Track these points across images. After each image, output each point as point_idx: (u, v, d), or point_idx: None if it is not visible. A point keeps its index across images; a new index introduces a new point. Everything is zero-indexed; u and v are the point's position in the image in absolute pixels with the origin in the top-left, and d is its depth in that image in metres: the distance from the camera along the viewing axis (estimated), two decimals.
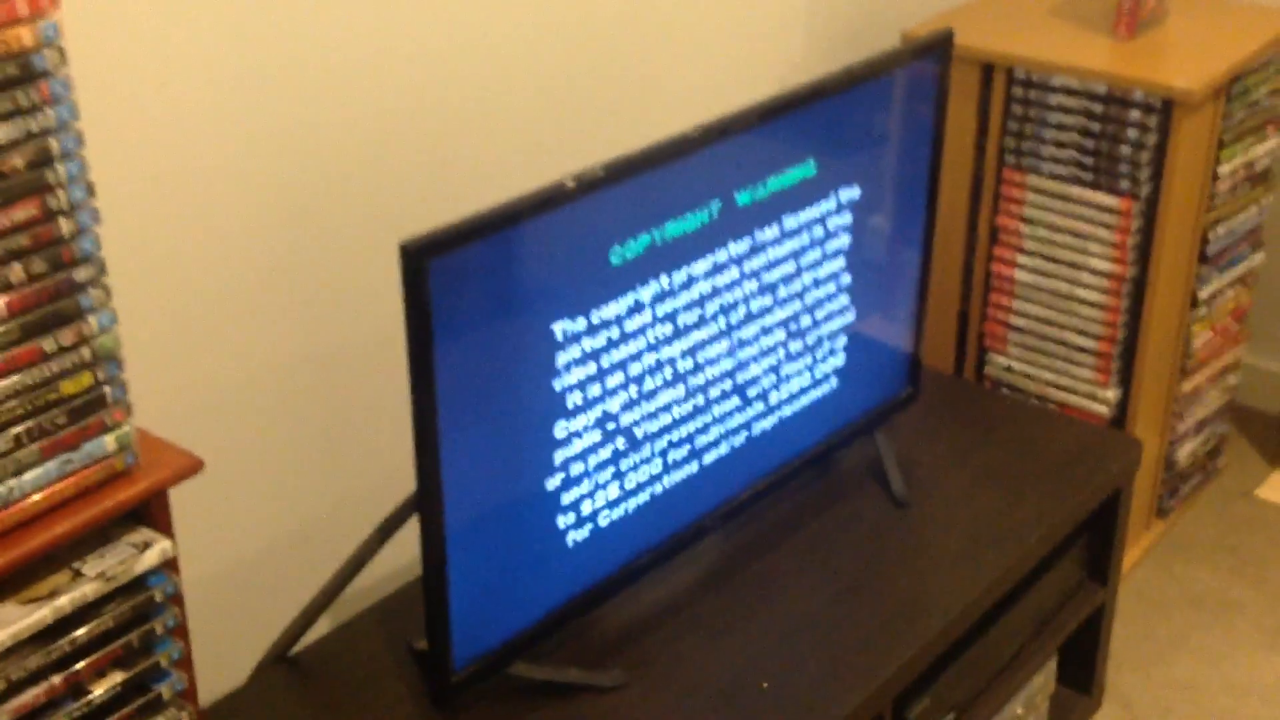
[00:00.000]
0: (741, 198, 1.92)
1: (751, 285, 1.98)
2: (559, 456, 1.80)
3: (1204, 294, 2.81)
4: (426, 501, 1.65)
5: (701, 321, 1.93)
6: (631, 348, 1.84)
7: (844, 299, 2.17)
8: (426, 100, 2.01)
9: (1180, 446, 2.96)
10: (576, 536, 1.86)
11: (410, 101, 1.99)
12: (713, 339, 1.95)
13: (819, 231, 2.07)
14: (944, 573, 2.11)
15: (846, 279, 2.16)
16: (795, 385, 2.13)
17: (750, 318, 2.00)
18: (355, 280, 1.99)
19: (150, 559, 1.47)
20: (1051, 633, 2.33)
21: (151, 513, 1.50)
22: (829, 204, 2.07)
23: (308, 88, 1.86)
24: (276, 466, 2.00)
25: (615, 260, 1.78)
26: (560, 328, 1.74)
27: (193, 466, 1.50)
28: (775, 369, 2.08)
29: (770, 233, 1.98)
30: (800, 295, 2.08)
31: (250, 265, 1.87)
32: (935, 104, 2.18)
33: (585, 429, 1.82)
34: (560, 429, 1.78)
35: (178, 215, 1.78)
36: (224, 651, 1.92)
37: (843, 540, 2.16)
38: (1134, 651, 2.70)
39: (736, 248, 1.94)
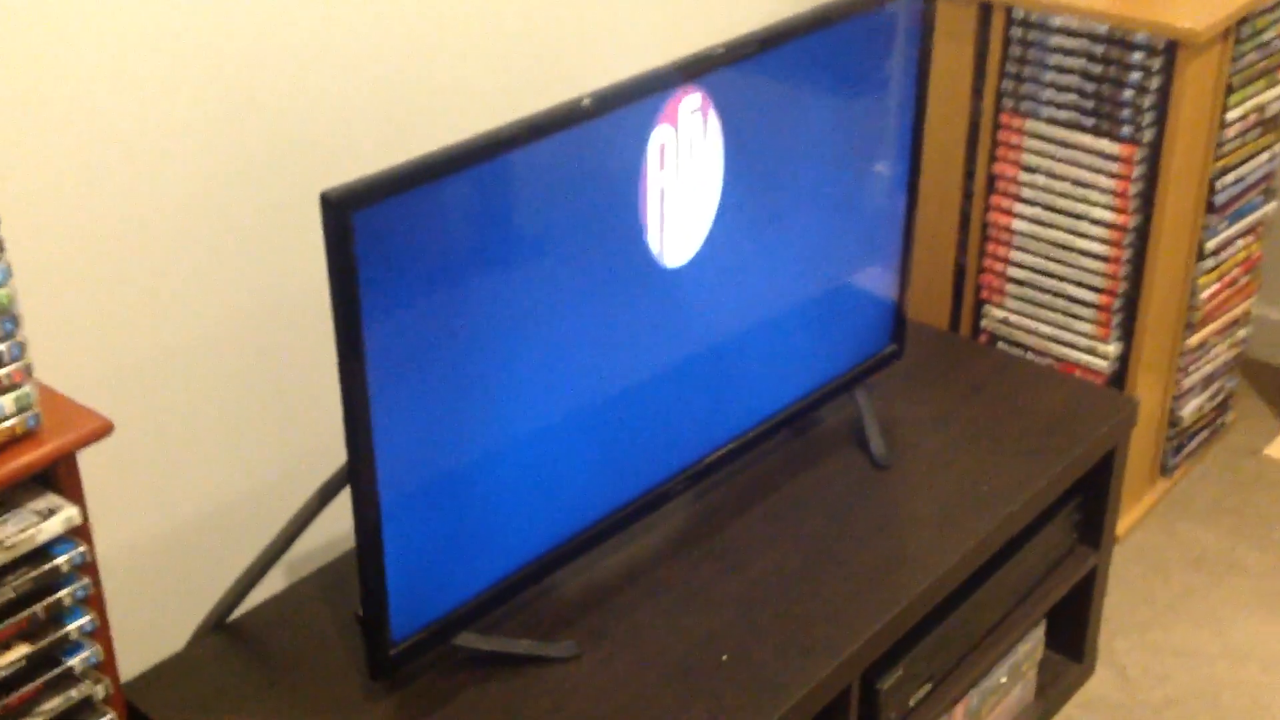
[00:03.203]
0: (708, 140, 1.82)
1: (718, 231, 1.88)
2: (501, 419, 1.71)
3: (1211, 245, 2.70)
4: (358, 469, 1.57)
5: (657, 271, 1.83)
6: (577, 302, 1.74)
7: (822, 250, 2.07)
8: (357, 46, 1.91)
9: (1185, 403, 2.85)
10: (523, 504, 1.77)
11: (340, 48, 1.89)
12: (669, 288, 1.85)
13: (795, 176, 1.97)
14: (920, 539, 2.02)
15: (824, 229, 2.06)
16: (767, 340, 2.02)
17: (714, 265, 1.90)
18: (282, 237, 1.90)
19: (54, 527, 1.41)
20: (1038, 599, 2.24)
21: (60, 478, 1.44)
22: (805, 147, 1.96)
23: (228, 37, 1.77)
24: (214, 430, 1.93)
25: (556, 211, 1.68)
26: (497, 283, 1.64)
27: (102, 429, 1.43)
28: (743, 321, 1.98)
29: (739, 178, 1.88)
30: (774, 244, 1.98)
31: (171, 222, 1.78)
32: (920, 43, 2.06)
33: (529, 388, 1.72)
34: (501, 389, 1.69)
35: (89, 170, 1.69)
36: (163, 619, 1.86)
37: (816, 504, 2.07)
38: (1130, 615, 2.61)
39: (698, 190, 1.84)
